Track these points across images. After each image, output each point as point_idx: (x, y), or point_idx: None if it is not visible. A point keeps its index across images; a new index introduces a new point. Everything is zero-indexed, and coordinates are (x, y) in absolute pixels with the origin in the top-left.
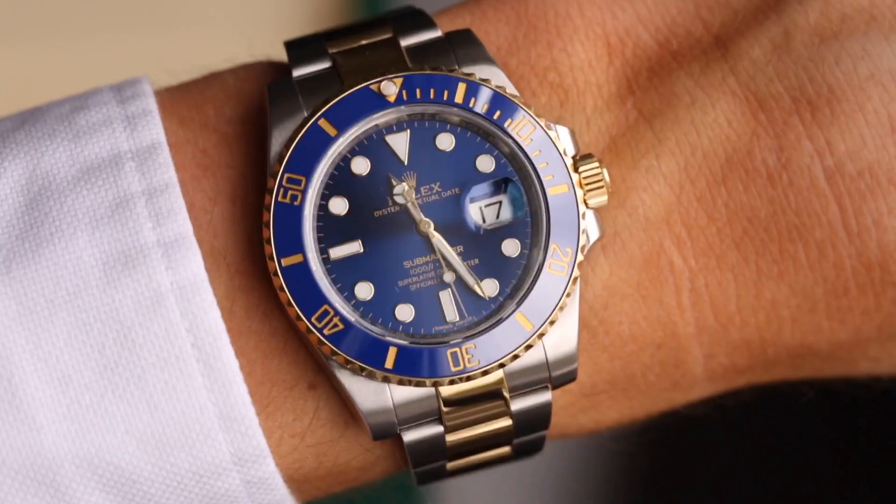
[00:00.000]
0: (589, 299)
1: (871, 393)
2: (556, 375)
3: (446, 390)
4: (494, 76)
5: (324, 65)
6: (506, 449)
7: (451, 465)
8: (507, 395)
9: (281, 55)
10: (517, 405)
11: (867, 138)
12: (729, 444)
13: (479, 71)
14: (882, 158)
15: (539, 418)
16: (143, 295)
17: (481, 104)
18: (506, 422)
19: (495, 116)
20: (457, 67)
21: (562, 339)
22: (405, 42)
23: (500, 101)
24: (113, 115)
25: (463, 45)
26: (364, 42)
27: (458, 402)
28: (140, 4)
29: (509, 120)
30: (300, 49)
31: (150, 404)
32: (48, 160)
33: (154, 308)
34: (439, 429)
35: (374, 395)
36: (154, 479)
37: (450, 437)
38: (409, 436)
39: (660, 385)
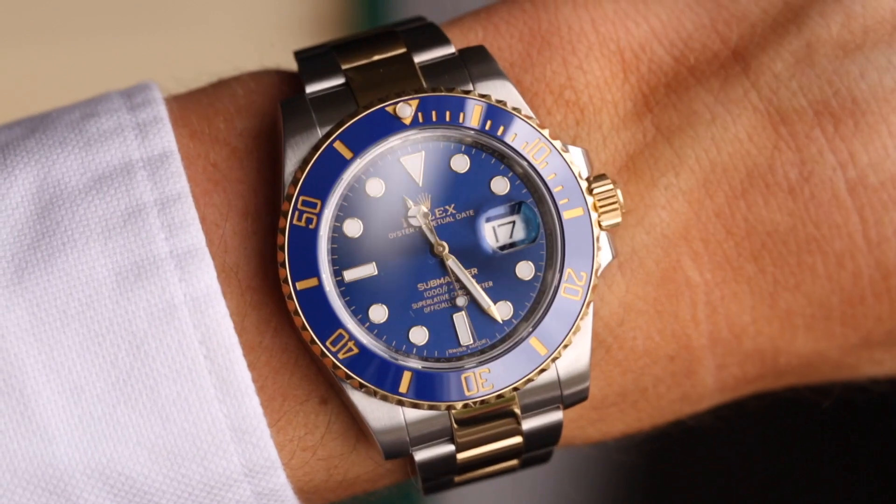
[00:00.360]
0: (604, 316)
1: (873, 402)
2: (568, 394)
3: (459, 412)
4: (509, 94)
5: (337, 81)
6: (513, 462)
7: (458, 478)
8: (518, 413)
9: (285, 55)
10: (528, 424)
11: (890, 149)
12: (730, 455)
13: (494, 86)
14: None
15: (549, 436)
16: (156, 306)
17: (497, 127)
18: (516, 440)
19: (511, 139)
20: (471, 85)
21: (574, 360)
22: (419, 59)
23: (515, 124)
24: (124, 123)
25: (477, 63)
26: (377, 58)
27: (469, 421)
28: (143, 5)
29: (525, 143)
30: (312, 64)
31: (161, 415)
32: (59, 168)
33: (167, 320)
34: (451, 448)
35: (386, 415)
36: (165, 490)
37: (461, 455)
38: (421, 455)
39: (670, 396)
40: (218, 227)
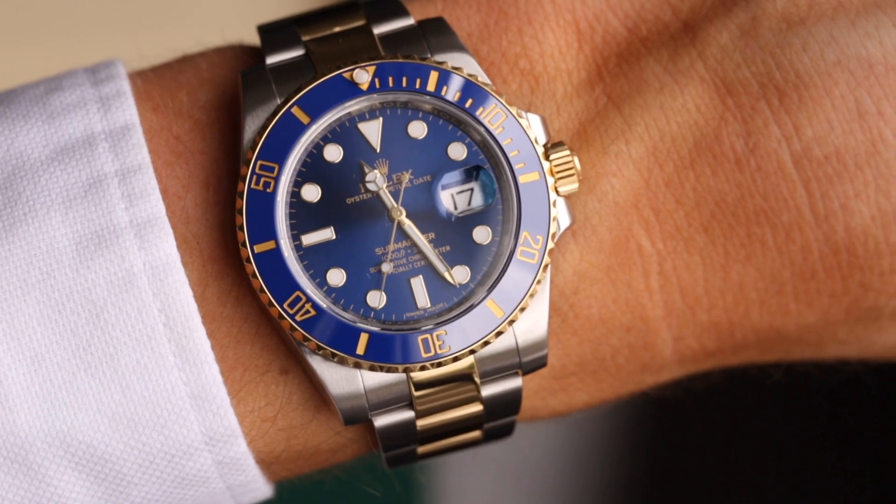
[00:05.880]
0: (559, 284)
1: (874, 392)
2: (527, 361)
3: (417, 375)
4: (466, 64)
5: (297, 52)
6: (476, 433)
7: (421, 449)
8: (477, 380)
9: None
10: (487, 391)
11: (834, 123)
12: (729, 447)
13: (452, 58)
14: (849, 143)
15: (509, 404)
16: (116, 275)
17: (453, 92)
18: (476, 407)
19: (467, 105)
20: (429, 55)
21: (532, 326)
22: (378, 30)
23: (472, 90)
24: (87, 97)
25: (435, 33)
26: (337, 29)
27: (428, 385)
28: (139, 3)
29: (481, 108)
30: (273, 36)
31: (122, 383)
32: (22, 140)
33: (126, 288)
34: (410, 414)
35: (345, 380)
36: (126, 458)
37: (420, 422)
38: (381, 421)
39: (629, 367)
40: (179, 199)
